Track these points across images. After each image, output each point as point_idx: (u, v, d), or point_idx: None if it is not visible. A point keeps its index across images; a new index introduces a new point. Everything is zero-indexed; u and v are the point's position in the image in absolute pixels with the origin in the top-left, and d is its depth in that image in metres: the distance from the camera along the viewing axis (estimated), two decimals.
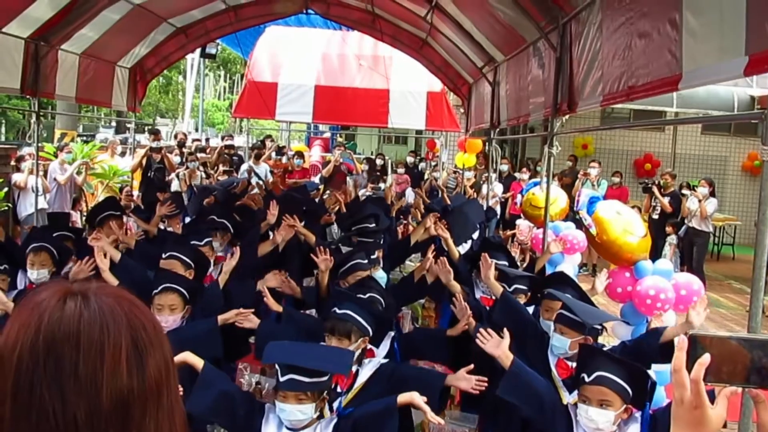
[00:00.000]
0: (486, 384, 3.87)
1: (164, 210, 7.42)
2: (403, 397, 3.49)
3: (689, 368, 1.42)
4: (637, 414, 3.48)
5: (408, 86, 14.10)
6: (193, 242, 5.79)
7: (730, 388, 1.45)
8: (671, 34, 3.98)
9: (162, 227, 7.72)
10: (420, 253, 7.79)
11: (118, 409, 1.13)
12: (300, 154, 15.74)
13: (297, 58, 14.42)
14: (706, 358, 1.41)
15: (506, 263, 5.67)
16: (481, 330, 3.98)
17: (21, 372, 1.11)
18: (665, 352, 4.23)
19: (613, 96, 4.97)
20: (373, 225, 7.11)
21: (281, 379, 3.32)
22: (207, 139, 24.84)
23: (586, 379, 3.38)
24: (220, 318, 4.41)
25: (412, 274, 5.80)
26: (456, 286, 5.26)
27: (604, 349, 4.38)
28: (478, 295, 5.87)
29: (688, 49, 3.80)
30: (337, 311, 4.06)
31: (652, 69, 4.27)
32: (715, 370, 1.43)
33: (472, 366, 4.20)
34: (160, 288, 4.47)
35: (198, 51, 17.50)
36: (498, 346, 3.85)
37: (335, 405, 3.86)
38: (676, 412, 1.47)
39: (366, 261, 5.47)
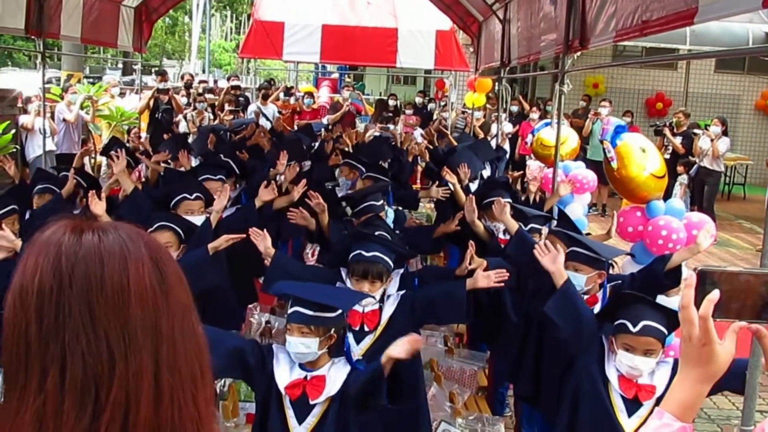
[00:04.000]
0: (504, 281, 3.93)
1: (161, 157, 7.36)
2: (385, 359, 3.33)
3: (698, 305, 1.40)
4: (669, 358, 3.50)
5: (417, 25, 13.87)
6: (207, 176, 5.80)
7: (739, 324, 1.44)
8: None
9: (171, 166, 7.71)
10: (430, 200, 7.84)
11: (148, 322, 1.13)
12: (310, 94, 15.59)
13: None
14: (715, 294, 1.39)
15: (510, 201, 5.63)
16: (540, 243, 4.02)
17: (44, 294, 1.11)
18: (672, 276, 4.27)
19: (627, 31, 4.87)
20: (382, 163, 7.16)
21: (288, 311, 3.36)
22: (215, 81, 24.67)
23: (632, 329, 3.35)
24: (210, 246, 4.40)
25: (432, 228, 5.76)
26: (480, 226, 5.31)
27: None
28: None
29: None
30: (365, 254, 4.02)
31: (666, 3, 4.16)
32: (724, 306, 1.40)
33: (485, 263, 4.27)
34: (155, 226, 4.47)
35: None
36: (554, 261, 3.87)
37: (364, 344, 3.91)
38: (684, 349, 1.47)
39: (380, 203, 5.45)
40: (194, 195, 5.31)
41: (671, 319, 3.42)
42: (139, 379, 1.12)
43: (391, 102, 16.90)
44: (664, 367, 3.46)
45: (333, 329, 3.37)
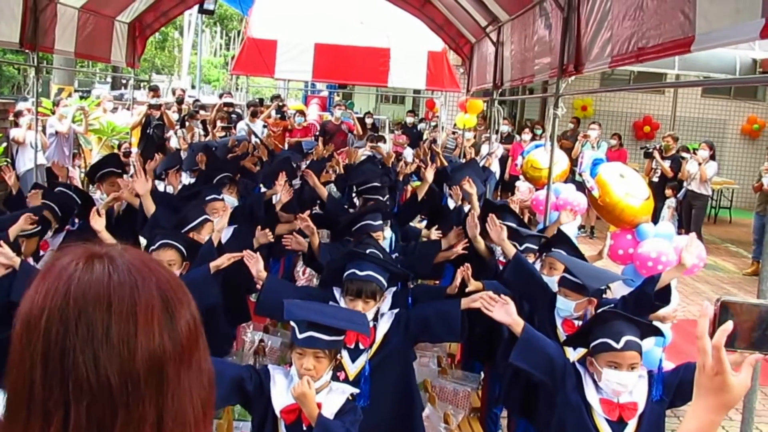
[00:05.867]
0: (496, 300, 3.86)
1: (153, 165, 7.32)
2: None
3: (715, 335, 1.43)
4: (643, 370, 3.53)
5: (409, 45, 13.98)
6: (212, 197, 5.79)
7: (755, 356, 1.46)
8: None
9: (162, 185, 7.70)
10: (425, 220, 7.82)
11: (153, 370, 1.12)
12: (301, 113, 15.63)
13: (297, 15, 14.27)
14: (728, 326, 1.42)
15: (514, 224, 5.64)
16: (484, 296, 3.92)
17: (51, 338, 1.09)
18: (662, 296, 4.29)
19: (623, 57, 4.93)
20: (377, 183, 7.13)
21: (300, 336, 3.28)
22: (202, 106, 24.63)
23: (616, 346, 3.38)
24: (212, 264, 4.39)
25: (433, 251, 5.72)
26: (481, 242, 5.33)
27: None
28: None
29: (702, 11, 3.76)
30: (359, 273, 4.03)
31: (663, 30, 4.22)
32: (745, 336, 1.43)
33: (482, 286, 4.30)
34: (157, 244, 4.46)
35: (196, 7, 17.24)
36: (507, 312, 3.78)
37: (359, 362, 3.89)
38: (698, 379, 1.49)
39: (378, 222, 5.44)
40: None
41: (644, 330, 3.50)
42: (141, 426, 1.11)
43: (368, 120, 16.83)
44: (641, 380, 3.50)
45: (339, 353, 3.41)
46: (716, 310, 1.44)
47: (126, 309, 1.11)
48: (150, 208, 5.55)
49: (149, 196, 5.62)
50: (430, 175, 7.17)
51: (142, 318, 1.12)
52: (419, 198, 7.17)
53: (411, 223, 7.44)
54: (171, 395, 1.14)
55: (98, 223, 4.74)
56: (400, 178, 9.46)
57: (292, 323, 3.40)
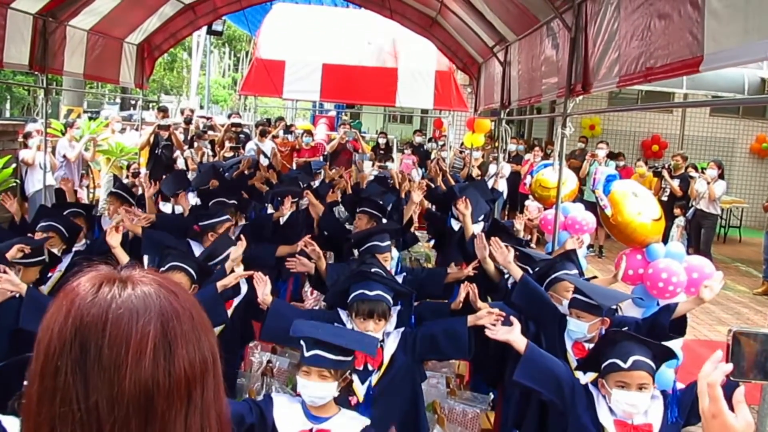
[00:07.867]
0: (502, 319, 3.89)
1: (152, 190, 7.29)
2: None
3: (732, 368, 1.41)
4: (657, 391, 3.50)
5: (416, 65, 14.04)
6: (213, 220, 5.78)
7: (741, 392, 1.43)
8: (693, 15, 3.93)
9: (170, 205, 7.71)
10: (427, 234, 7.79)
11: (141, 399, 1.11)
12: (309, 133, 15.69)
13: (305, 35, 14.36)
14: (727, 367, 1.40)
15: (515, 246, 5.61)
16: (487, 319, 3.96)
17: (49, 355, 1.11)
18: (677, 327, 4.26)
19: (630, 77, 4.92)
20: (376, 198, 7.12)
21: (306, 354, 3.29)
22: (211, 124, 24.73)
23: (623, 365, 3.36)
24: (219, 284, 4.41)
25: (443, 273, 5.72)
26: (491, 264, 5.30)
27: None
28: None
29: (710, 31, 3.74)
30: (369, 293, 4.00)
31: (671, 50, 4.21)
32: (760, 366, 1.41)
33: (488, 305, 4.25)
34: (167, 266, 4.47)
35: (204, 28, 17.37)
36: (509, 332, 3.80)
37: (367, 384, 3.87)
38: (704, 423, 1.47)
39: (386, 243, 5.39)
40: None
41: (657, 353, 3.46)
42: None
43: (381, 140, 16.86)
44: (655, 402, 3.47)
45: (348, 371, 3.38)
46: (728, 341, 1.41)
47: (120, 334, 1.11)
48: (122, 259, 5.01)
49: (120, 247, 5.09)
50: (416, 196, 7.12)
51: (134, 344, 1.11)
52: (405, 218, 7.15)
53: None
54: (160, 429, 1.13)
55: (114, 239, 4.78)
56: (402, 195, 9.46)
57: (301, 341, 3.38)
